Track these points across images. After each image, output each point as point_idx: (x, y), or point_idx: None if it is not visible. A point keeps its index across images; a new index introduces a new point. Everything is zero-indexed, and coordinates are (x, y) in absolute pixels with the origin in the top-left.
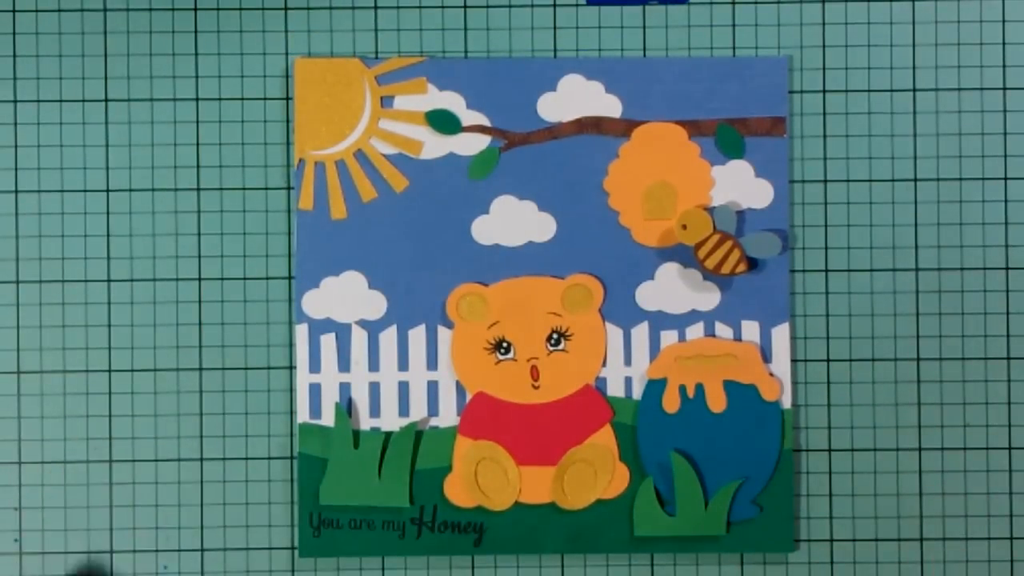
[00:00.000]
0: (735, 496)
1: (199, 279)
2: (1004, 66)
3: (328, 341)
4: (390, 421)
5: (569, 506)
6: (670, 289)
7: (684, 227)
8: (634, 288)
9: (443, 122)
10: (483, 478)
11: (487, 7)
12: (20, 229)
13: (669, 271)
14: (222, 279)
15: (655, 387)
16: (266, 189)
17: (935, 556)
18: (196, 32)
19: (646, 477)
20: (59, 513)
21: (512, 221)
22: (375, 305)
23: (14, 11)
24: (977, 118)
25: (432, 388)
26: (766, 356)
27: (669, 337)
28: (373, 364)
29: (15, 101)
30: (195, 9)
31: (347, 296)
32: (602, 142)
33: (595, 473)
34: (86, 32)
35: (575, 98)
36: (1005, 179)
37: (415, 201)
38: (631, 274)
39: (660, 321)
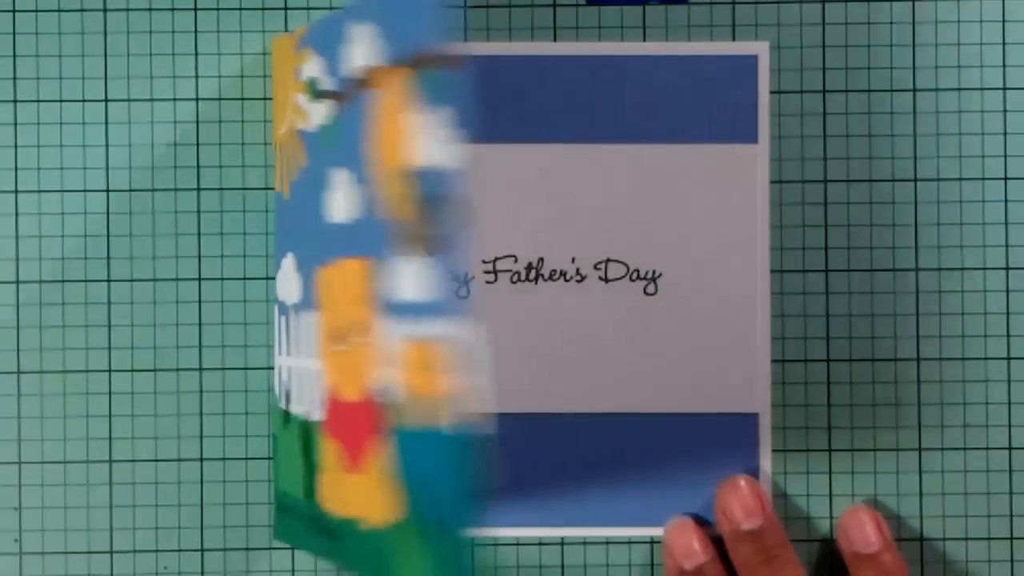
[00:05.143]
0: None
1: (199, 279)
2: (1004, 66)
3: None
4: (300, 408)
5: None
6: None
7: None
8: None
9: (313, 91)
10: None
11: (487, 7)
12: (20, 229)
13: None
14: (222, 279)
15: None
16: (266, 189)
17: (935, 556)
18: (196, 32)
19: None
20: (59, 513)
21: (343, 196)
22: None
23: (14, 11)
24: (977, 118)
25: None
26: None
27: None
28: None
29: (15, 101)
30: (195, 9)
31: (286, 278)
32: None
33: None
34: (86, 32)
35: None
36: (1005, 179)
37: (310, 178)
38: None
39: None
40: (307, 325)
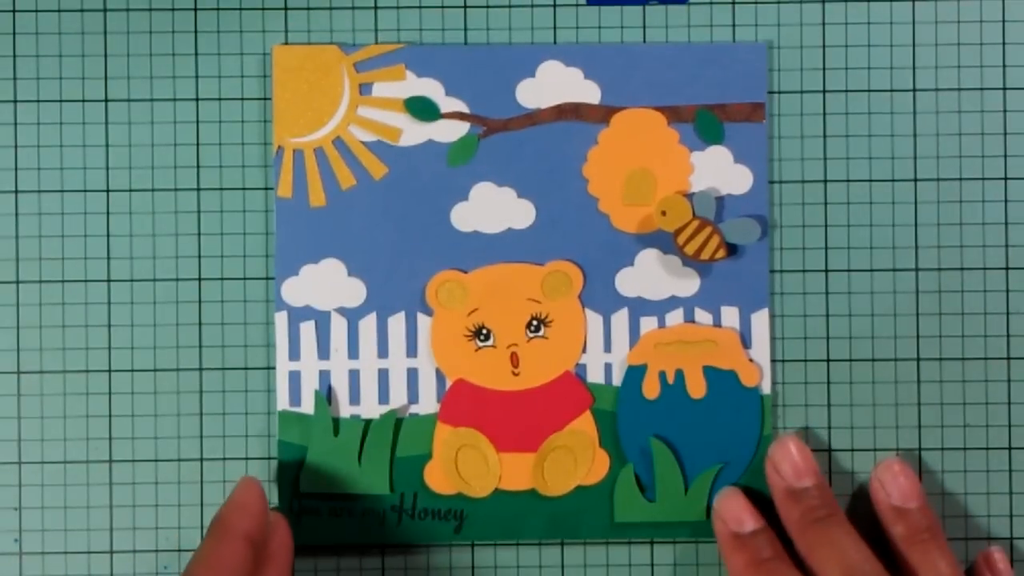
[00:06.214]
0: (715, 481)
1: (199, 279)
2: (1004, 66)
3: (307, 329)
4: (370, 408)
5: (549, 492)
6: (650, 275)
7: (663, 213)
8: (614, 274)
9: (421, 109)
10: (463, 465)
11: (487, 7)
12: (20, 229)
13: (649, 257)
14: (222, 279)
15: (635, 373)
16: (266, 189)
17: None
18: (196, 32)
19: (626, 463)
20: (59, 513)
21: (491, 208)
22: (354, 292)
23: (14, 11)
24: (977, 118)
25: (411, 375)
26: (745, 342)
27: (649, 323)
28: (352, 352)
29: (15, 101)
30: (195, 9)
31: (326, 283)
32: (581, 128)
33: (575, 459)
34: (86, 32)
35: (554, 84)
36: (1005, 179)
37: (394, 188)
38: (611, 260)
39: (640, 307)
40: (371, 329)
